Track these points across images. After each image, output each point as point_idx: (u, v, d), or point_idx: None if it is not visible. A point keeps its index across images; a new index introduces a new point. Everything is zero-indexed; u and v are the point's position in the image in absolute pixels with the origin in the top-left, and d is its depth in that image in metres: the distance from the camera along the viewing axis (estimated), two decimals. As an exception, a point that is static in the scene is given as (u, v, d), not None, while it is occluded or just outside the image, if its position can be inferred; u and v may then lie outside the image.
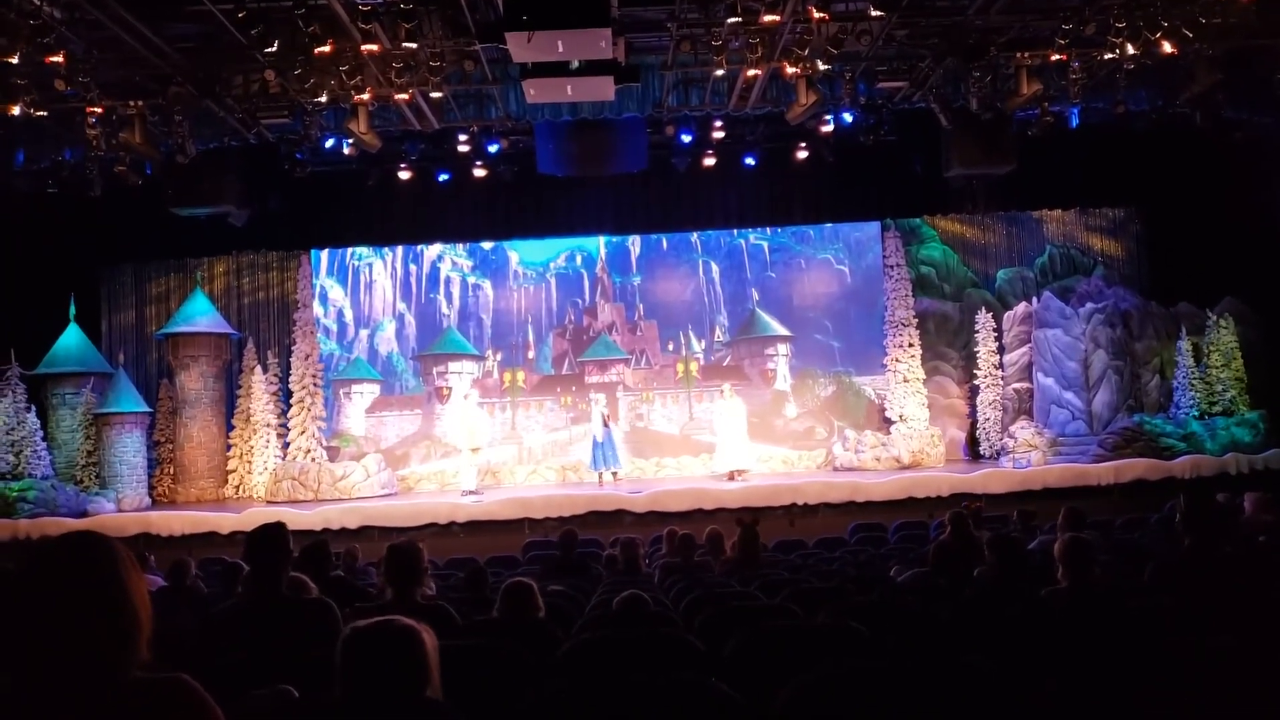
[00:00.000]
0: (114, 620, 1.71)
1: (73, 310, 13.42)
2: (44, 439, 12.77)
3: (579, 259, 15.19)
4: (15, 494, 11.88)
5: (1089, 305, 13.58)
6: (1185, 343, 13.13)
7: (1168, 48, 9.44)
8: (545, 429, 14.76)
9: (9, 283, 12.89)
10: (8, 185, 11.44)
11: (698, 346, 14.98)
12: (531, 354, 14.99)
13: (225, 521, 11.35)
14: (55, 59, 8.17)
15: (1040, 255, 15.18)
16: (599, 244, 15.09)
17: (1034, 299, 14.08)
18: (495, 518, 11.38)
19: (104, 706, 1.65)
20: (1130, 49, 9.44)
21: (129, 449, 13.29)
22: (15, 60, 7.97)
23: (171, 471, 14.09)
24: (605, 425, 12.76)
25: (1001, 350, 14.22)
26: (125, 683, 1.69)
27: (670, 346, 14.98)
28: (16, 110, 8.98)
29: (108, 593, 1.72)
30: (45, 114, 9.36)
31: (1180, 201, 13.77)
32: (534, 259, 15.17)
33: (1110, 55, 9.75)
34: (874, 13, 8.73)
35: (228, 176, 11.78)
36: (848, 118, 12.07)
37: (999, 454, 13.43)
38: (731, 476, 12.54)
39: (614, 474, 12.91)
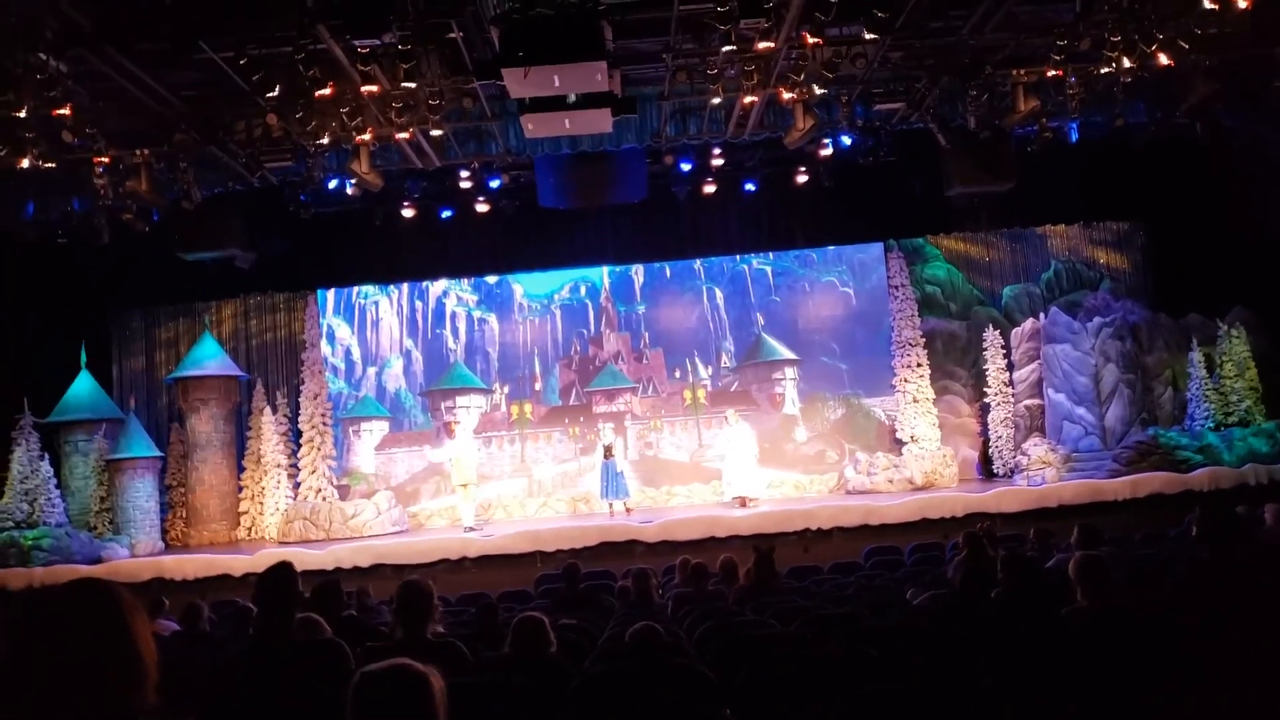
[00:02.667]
0: (119, 668, 1.71)
1: (84, 357, 13.55)
2: (57, 486, 12.82)
3: (583, 289, 15.25)
4: (30, 542, 11.90)
5: (1097, 319, 13.53)
6: (1197, 354, 13.05)
7: (1164, 59, 9.47)
8: (554, 460, 14.73)
9: (21, 332, 13.01)
10: (18, 236, 11.59)
11: (704, 373, 14.98)
12: (539, 386, 15.01)
13: (238, 564, 11.33)
14: (62, 111, 8.31)
15: (1046, 271, 15.17)
16: (602, 274, 15.16)
17: (1041, 315, 14.04)
18: (506, 551, 11.33)
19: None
20: (1126, 62, 9.47)
21: (141, 494, 13.31)
22: (23, 114, 8.12)
23: (184, 515, 14.11)
24: (607, 457, 12.69)
25: (1011, 367, 14.16)
26: (133, 729, 1.69)
27: (677, 374, 14.98)
28: (25, 163, 9.12)
29: (113, 640, 1.73)
30: (53, 165, 9.51)
31: (1183, 212, 13.76)
32: (538, 291, 15.24)
33: (1107, 69, 9.80)
34: (868, 36, 8.80)
35: (233, 220, 11.93)
36: (846, 140, 12.17)
37: (1013, 472, 13.33)
38: (742, 503, 12.47)
39: (625, 506, 12.81)
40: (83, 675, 1.66)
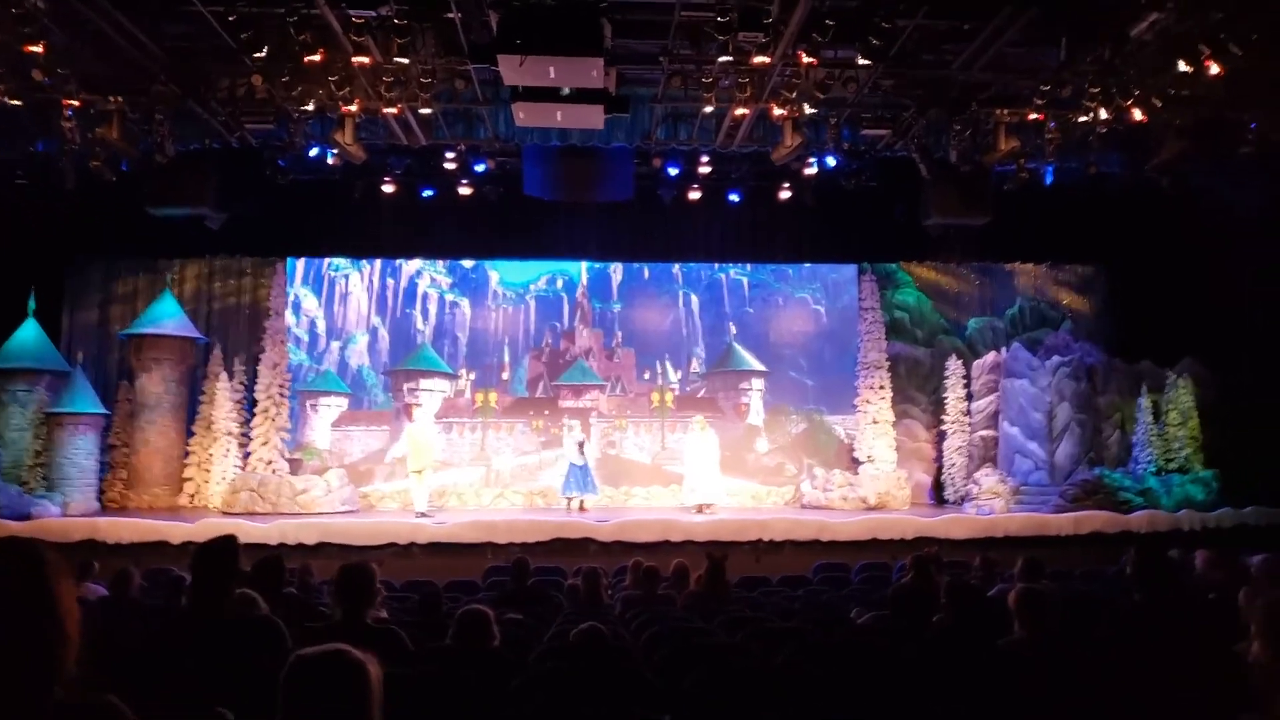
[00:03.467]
0: (38, 634, 1.62)
1: (32, 305, 13.07)
2: (-10, 436, 12.39)
3: (560, 282, 15.16)
4: (-45, 492, 11.47)
5: (1056, 358, 13.77)
6: (1145, 400, 13.36)
7: (1138, 115, 9.70)
8: (515, 452, 14.62)
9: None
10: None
11: (674, 376, 14.97)
12: (506, 375, 14.88)
13: (177, 531, 11.01)
14: (34, 48, 8.03)
15: (1011, 306, 15.42)
16: (581, 269, 15.08)
17: (1003, 349, 14.26)
18: (457, 540, 11.18)
19: (26, 726, 1.55)
20: (1103, 113, 9.70)
21: (81, 451, 12.89)
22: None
23: (125, 476, 13.69)
24: (581, 451, 12.69)
25: (970, 397, 14.36)
26: (48, 703, 1.60)
27: (646, 375, 14.95)
28: (-9, 98, 8.81)
29: (32, 604, 1.64)
30: (19, 103, 9.19)
31: (1146, 262, 14.08)
32: (514, 280, 15.12)
33: (1084, 118, 10.01)
34: (861, 61, 8.86)
35: (206, 178, 11.61)
36: (831, 161, 12.23)
37: (963, 500, 13.51)
38: (700, 509, 12.48)
39: (581, 503, 12.76)
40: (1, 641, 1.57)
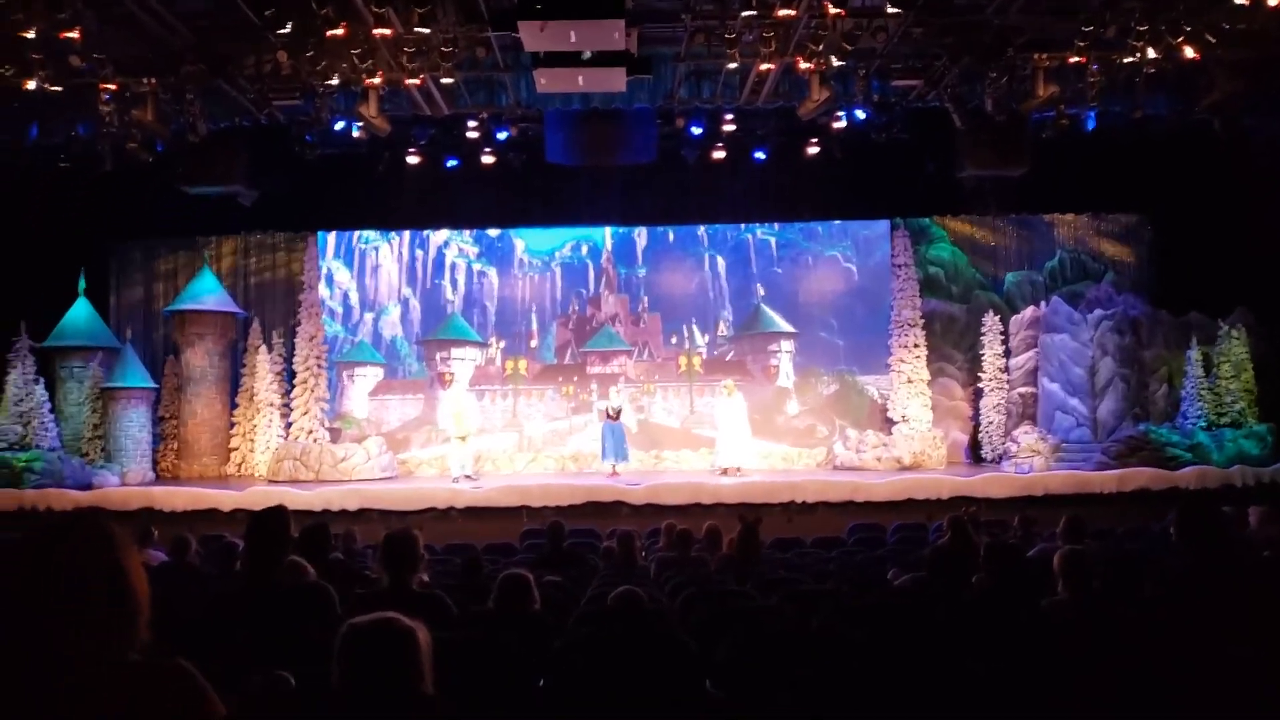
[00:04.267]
0: (113, 603, 1.73)
1: (82, 285, 13.50)
2: (51, 411, 12.87)
3: (585, 249, 15.18)
4: (22, 464, 11.96)
5: (1098, 311, 13.52)
6: (1195, 352, 13.05)
7: (1189, 53, 9.35)
8: (546, 418, 14.79)
9: (20, 256, 12.94)
10: (21, 159, 11.47)
11: (701, 341, 14.97)
12: (534, 343, 15.01)
13: (227, 499, 11.40)
14: (70, 34, 8.17)
15: (1050, 259, 15.11)
16: (605, 234, 15.07)
17: (1042, 303, 14.02)
18: (493, 504, 11.41)
19: (102, 688, 1.66)
20: (1151, 53, 9.36)
21: (134, 424, 13.37)
22: (31, 35, 7.98)
23: (175, 447, 14.17)
24: (614, 419, 12.74)
25: (1007, 354, 14.18)
26: (123, 665, 1.71)
27: (673, 340, 14.97)
28: (31, 85, 8.99)
29: (107, 576, 1.74)
30: (59, 89, 9.37)
31: (1194, 209, 13.66)
32: (540, 248, 15.17)
33: (1130, 59, 9.68)
34: (890, 10, 8.68)
35: (237, 156, 11.79)
36: (860, 115, 12.01)
37: (1001, 458, 13.41)
38: (724, 472, 12.55)
39: (614, 467, 12.88)
40: (75, 611, 1.68)
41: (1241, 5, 8.46)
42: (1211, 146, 12.23)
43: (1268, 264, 13.34)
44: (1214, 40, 9.23)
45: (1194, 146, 12.48)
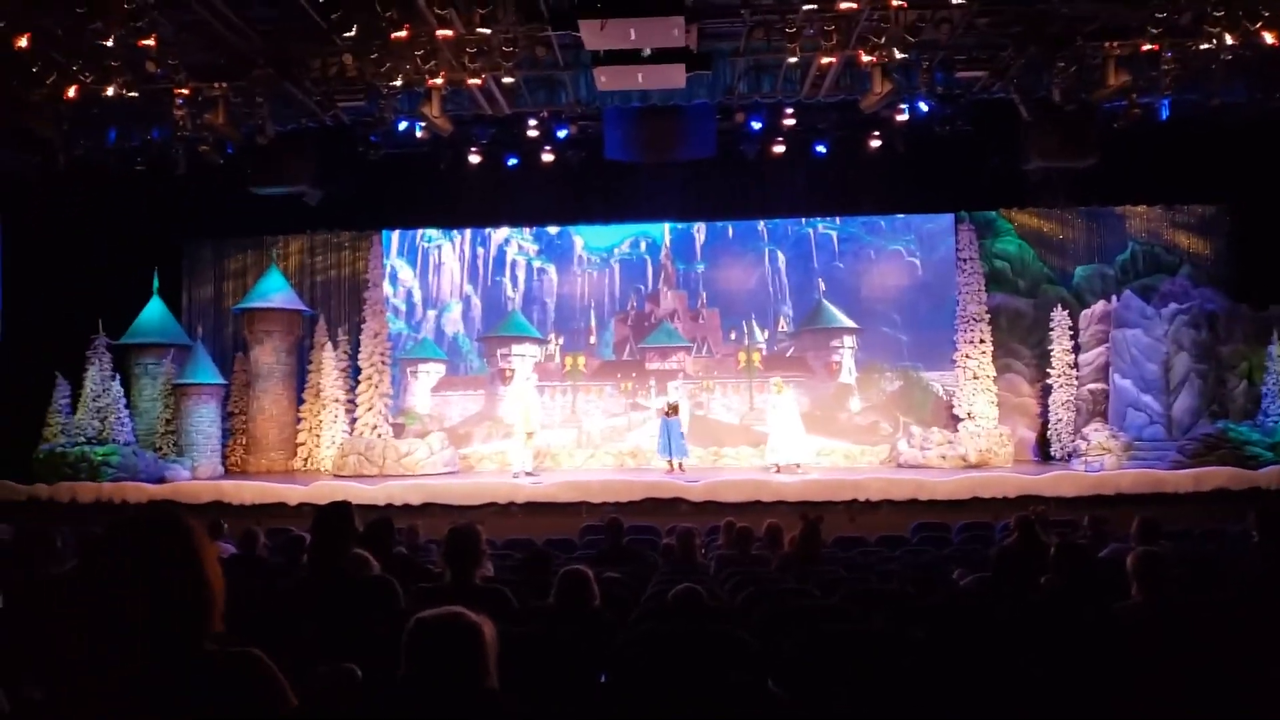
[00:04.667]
0: (190, 594, 1.77)
1: (156, 283, 14.02)
2: (126, 406, 13.39)
3: (643, 245, 15.19)
4: (100, 458, 12.47)
5: (1172, 305, 13.04)
6: (1276, 348, 12.52)
7: (1269, 38, 8.95)
8: (604, 414, 14.84)
9: (98, 256, 13.49)
10: (100, 162, 11.93)
11: (760, 336, 14.86)
12: (593, 339, 15.07)
13: (293, 493, 11.69)
14: (147, 42, 8.46)
15: (1122, 252, 14.63)
16: (664, 230, 15.05)
17: (1113, 297, 13.57)
18: (553, 500, 11.49)
19: (179, 677, 1.71)
20: (1229, 39, 8.99)
21: (205, 419, 13.82)
22: (110, 43, 8.29)
23: (244, 442, 14.60)
24: (672, 415, 12.70)
25: (1077, 349, 13.77)
26: (199, 654, 1.76)
27: (732, 335, 14.89)
28: (110, 91, 9.34)
29: (184, 567, 1.79)
30: (136, 95, 9.71)
31: (1275, 199, 13.09)
32: (599, 244, 15.22)
33: (1207, 45, 9.30)
34: (954, 0, 8.47)
35: (304, 157, 12.09)
36: (923, 107, 11.78)
37: (1070, 456, 13.03)
38: (777, 469, 12.43)
39: (680, 464, 12.81)
40: (155, 600, 1.73)
41: (1328, -14, 8.06)
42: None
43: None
44: (1294, 25, 8.82)
45: (1274, 135, 11.94)
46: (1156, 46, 9.59)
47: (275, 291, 14.39)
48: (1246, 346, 13.05)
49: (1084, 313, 13.79)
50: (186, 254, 15.25)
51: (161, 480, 12.59)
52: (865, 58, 9.61)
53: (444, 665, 1.85)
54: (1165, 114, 11.61)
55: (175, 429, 13.86)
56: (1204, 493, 11.17)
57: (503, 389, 14.85)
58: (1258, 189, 13.22)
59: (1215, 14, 8.73)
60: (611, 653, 3.12)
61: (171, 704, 1.66)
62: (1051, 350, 13.94)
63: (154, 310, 14.03)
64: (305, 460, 14.54)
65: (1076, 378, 13.72)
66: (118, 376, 13.42)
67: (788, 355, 14.79)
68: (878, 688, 2.55)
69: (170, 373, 13.96)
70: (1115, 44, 9.75)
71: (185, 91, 9.83)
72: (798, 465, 12.53)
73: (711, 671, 2.59)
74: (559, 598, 3.85)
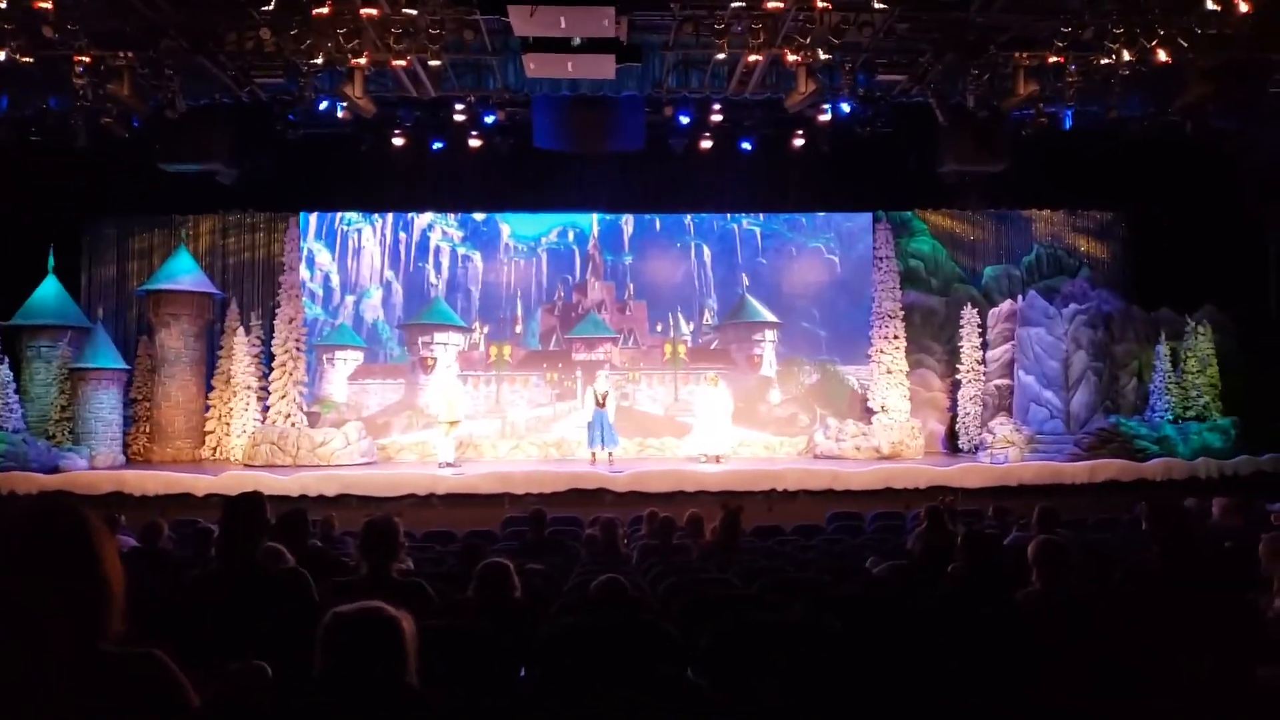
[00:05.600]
0: (86, 592, 1.67)
1: (51, 262, 13.18)
2: (16, 392, 12.57)
3: (571, 235, 15.08)
4: (-13, 446, 11.71)
5: (1073, 306, 13.66)
6: (1164, 347, 13.27)
7: (1163, 56, 9.46)
8: (529, 404, 14.72)
9: (-12, 231, 12.65)
10: (-9, 131, 11.19)
11: (686, 329, 14.95)
12: (519, 328, 14.91)
13: (200, 483, 11.23)
14: (44, 5, 7.95)
15: (1028, 254, 15.26)
16: (592, 221, 14.99)
17: (1019, 297, 14.14)
18: (475, 491, 11.34)
19: (74, 680, 1.61)
20: (1126, 55, 9.47)
21: (105, 405, 13.10)
22: (2, 4, 7.76)
23: (147, 430, 13.94)
24: (600, 405, 12.59)
25: (985, 346, 14.30)
26: (96, 656, 1.66)
27: (659, 327, 14.94)
28: (1, 56, 8.74)
29: (79, 563, 1.69)
30: (31, 60, 9.12)
31: (1167, 207, 13.87)
32: (526, 233, 15.05)
33: (1106, 60, 9.77)
34: (877, 5, 8.67)
35: (218, 134, 11.58)
36: (845, 108, 12.00)
37: (977, 449, 13.53)
38: (712, 459, 12.56)
39: (609, 454, 12.70)
40: (47, 600, 1.62)
41: (1213, 10, 8.54)
42: (1184, 147, 12.39)
43: (1235, 263, 13.56)
44: (1186, 44, 9.34)
45: (1167, 146, 12.66)
46: (1062, 59, 10.01)
47: (184, 273, 13.75)
48: (1138, 346, 13.80)
49: (992, 311, 14.33)
50: (87, 232, 14.42)
51: (55, 470, 11.87)
52: (791, 57, 9.74)
53: (363, 661, 1.78)
54: (1069, 123, 12.15)
55: (71, 416, 13.06)
56: (1097, 484, 11.77)
57: (424, 378, 14.57)
58: (1151, 198, 13.96)
59: (1115, 30, 9.18)
60: (533, 646, 3.08)
61: (66, 710, 1.56)
62: (961, 347, 14.44)
63: (49, 290, 13.19)
64: (214, 450, 13.98)
65: (984, 373, 14.25)
66: (6, 360, 12.59)
67: (712, 348, 14.92)
68: (796, 677, 2.59)
69: (66, 356, 13.16)
70: (1025, 54, 10.16)
71: (86, 59, 9.27)
72: (718, 457, 12.67)
73: (633, 663, 2.58)
74: (479, 590, 3.79)
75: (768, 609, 3.79)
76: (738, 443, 13.69)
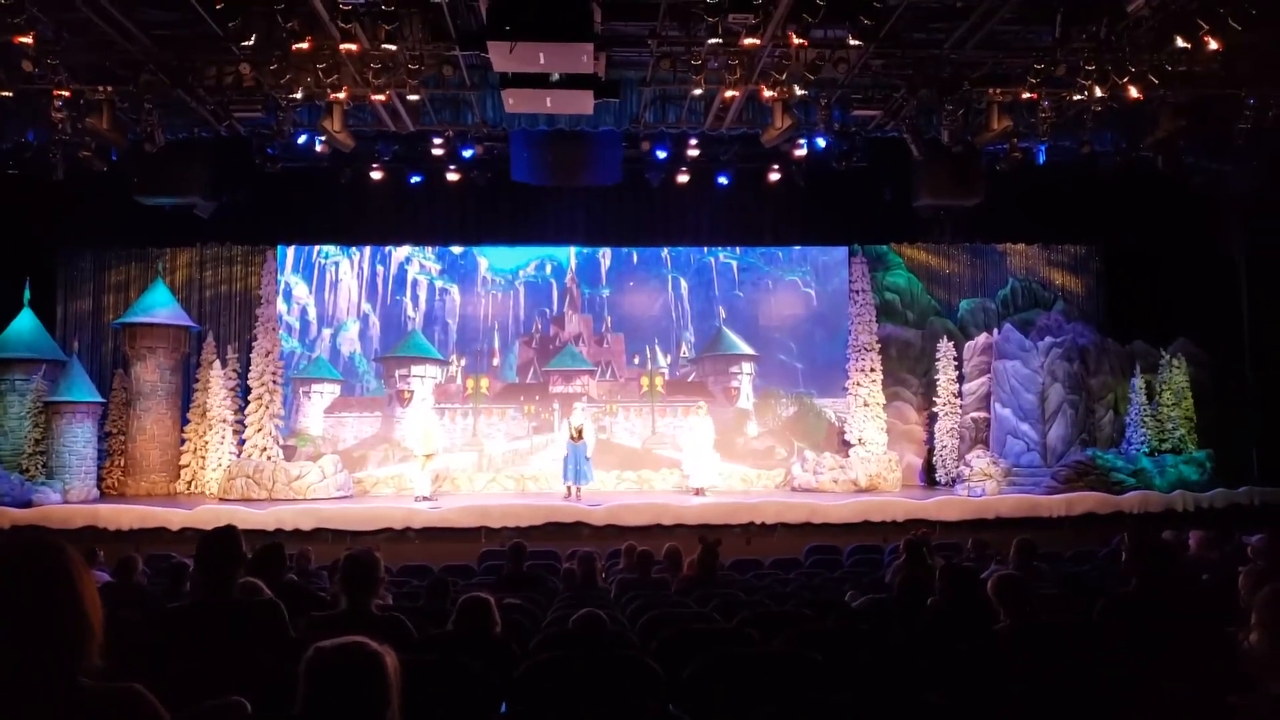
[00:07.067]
0: (64, 627, 1.67)
1: (27, 295, 13.08)
2: (-11, 425, 12.41)
3: (549, 268, 15.16)
4: (-45, 481, 11.51)
5: (1048, 339, 13.86)
6: (1139, 380, 13.46)
7: (1134, 92, 9.72)
8: (507, 437, 14.67)
9: (-40, 263, 12.54)
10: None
11: (663, 361, 15.02)
12: (496, 361, 14.91)
13: (175, 517, 11.10)
14: (24, 39, 7.98)
15: (1003, 287, 15.49)
16: (569, 254, 15.08)
17: (995, 330, 14.34)
18: (452, 525, 11.27)
19: (55, 716, 1.61)
20: (1098, 91, 9.71)
21: (79, 439, 12.93)
22: (-19, 38, 7.79)
23: (122, 464, 13.77)
24: (576, 439, 12.50)
25: (961, 379, 14.46)
26: (75, 691, 1.65)
27: (636, 360, 15.00)
28: (-21, 88, 8.76)
29: (58, 599, 1.69)
30: (9, 94, 9.13)
31: (1140, 241, 14.15)
32: (503, 266, 15.11)
33: (1079, 96, 10.02)
34: (852, 42, 8.87)
35: (195, 167, 11.59)
36: (821, 143, 12.24)
37: (954, 481, 13.62)
38: (698, 492, 12.57)
39: (577, 490, 12.63)
40: (25, 634, 1.62)
41: (1183, 48, 8.81)
42: (1156, 181, 12.68)
43: (1209, 296, 13.84)
44: (1157, 81, 9.61)
45: (1140, 181, 12.94)
46: (1035, 95, 10.26)
47: (160, 306, 13.67)
48: (1113, 379, 14.00)
49: (968, 344, 14.51)
50: (63, 264, 14.32)
51: (28, 504, 11.68)
52: (767, 93, 9.93)
53: (345, 698, 1.78)
54: (1042, 158, 12.44)
55: (45, 449, 12.89)
56: (1074, 516, 11.86)
57: (400, 411, 14.51)
58: (1124, 231, 14.24)
59: (1087, 68, 9.42)
60: (514, 680, 3.08)
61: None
62: (937, 380, 14.59)
63: (24, 323, 13.07)
64: (189, 483, 13.81)
65: (960, 406, 14.40)
66: (-21, 393, 12.44)
67: (689, 380, 14.98)
68: (779, 710, 2.60)
69: (41, 389, 13.01)
70: (998, 90, 10.41)
71: (65, 93, 9.29)
72: (702, 489, 12.67)
73: (614, 697, 2.59)
74: (458, 625, 3.77)
75: (749, 643, 3.80)
76: (717, 474, 13.70)
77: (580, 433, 12.57)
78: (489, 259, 15.07)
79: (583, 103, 9.30)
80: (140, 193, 11.53)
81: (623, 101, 10.82)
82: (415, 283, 15.00)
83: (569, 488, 12.57)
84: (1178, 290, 13.86)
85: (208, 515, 10.85)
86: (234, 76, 9.52)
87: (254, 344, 14.16)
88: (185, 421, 13.99)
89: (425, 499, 12.15)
